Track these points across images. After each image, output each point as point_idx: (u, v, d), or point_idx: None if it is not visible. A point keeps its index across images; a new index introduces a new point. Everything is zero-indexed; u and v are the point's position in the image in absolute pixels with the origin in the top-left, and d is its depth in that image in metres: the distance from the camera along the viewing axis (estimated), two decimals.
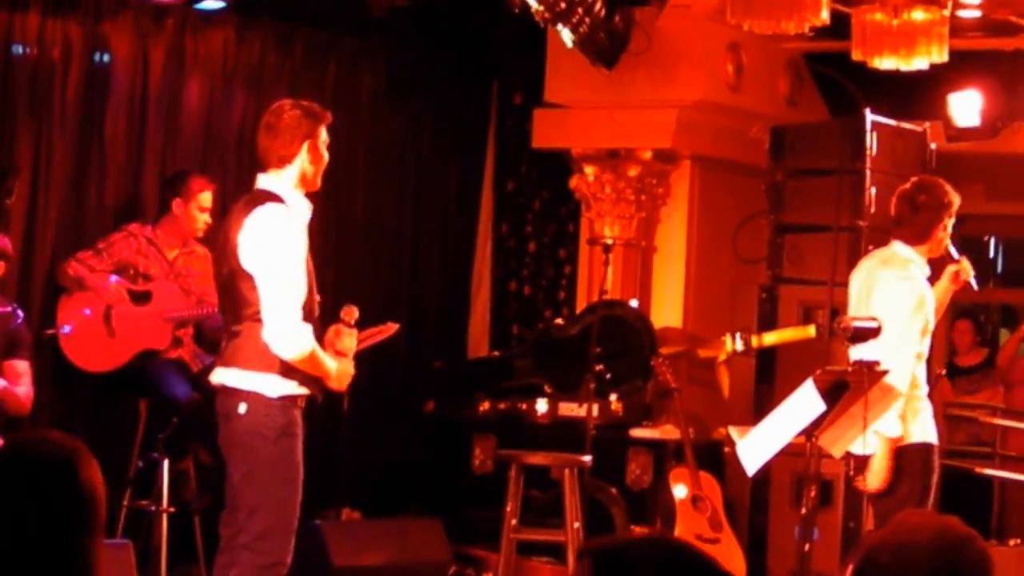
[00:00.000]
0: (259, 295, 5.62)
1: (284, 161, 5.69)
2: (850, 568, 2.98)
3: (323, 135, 5.73)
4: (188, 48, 8.63)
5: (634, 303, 9.44)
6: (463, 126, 10.27)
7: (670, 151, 9.82)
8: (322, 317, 5.89)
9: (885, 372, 7.15)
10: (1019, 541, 8.81)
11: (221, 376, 5.76)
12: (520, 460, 7.67)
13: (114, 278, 7.80)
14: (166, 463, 7.77)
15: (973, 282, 6.95)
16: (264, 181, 5.74)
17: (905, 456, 6.73)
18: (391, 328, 7.90)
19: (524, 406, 9.14)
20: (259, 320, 5.63)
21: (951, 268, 6.88)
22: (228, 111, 8.82)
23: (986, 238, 11.62)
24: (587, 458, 7.85)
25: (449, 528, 8.37)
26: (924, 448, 6.78)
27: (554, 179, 10.22)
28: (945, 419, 9.98)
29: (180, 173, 8.10)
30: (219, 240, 5.88)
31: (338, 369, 5.79)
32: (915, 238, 6.75)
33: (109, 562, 6.42)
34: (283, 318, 5.60)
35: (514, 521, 7.52)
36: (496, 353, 10.16)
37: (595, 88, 9.60)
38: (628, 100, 9.59)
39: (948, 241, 6.84)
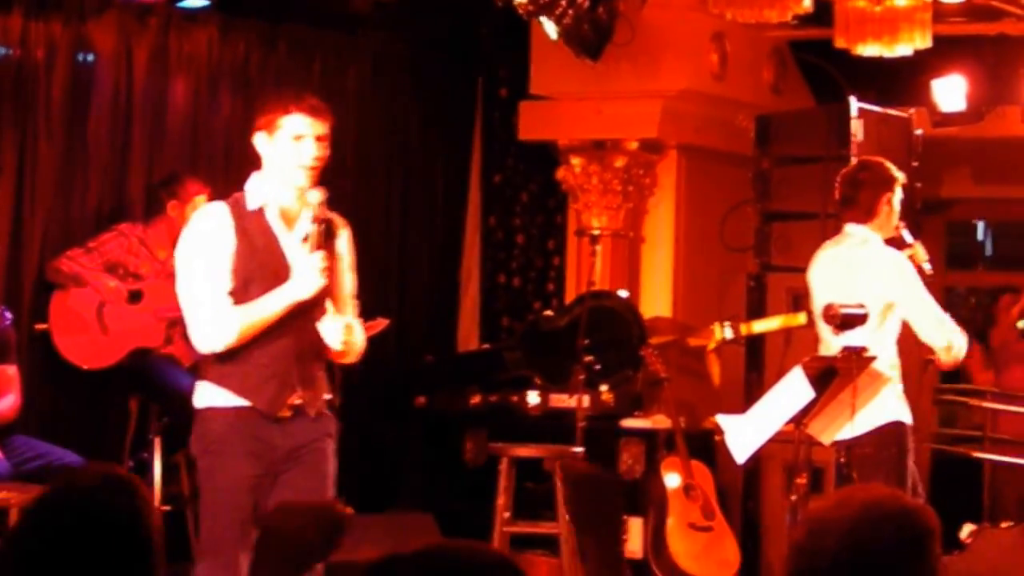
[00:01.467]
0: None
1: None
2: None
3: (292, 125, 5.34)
4: (172, 47, 8.65)
5: (623, 293, 9.46)
6: (449, 120, 10.29)
7: (656, 141, 9.86)
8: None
9: (873, 358, 7.20)
10: (1011, 523, 8.86)
11: None
12: (511, 453, 7.70)
13: (114, 283, 7.84)
14: (157, 461, 7.79)
15: (926, 266, 6.96)
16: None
17: (881, 440, 6.78)
18: (381, 323, 7.95)
19: (515, 398, 9.13)
20: None
21: (905, 253, 6.90)
22: (214, 110, 8.83)
23: (974, 222, 11.67)
24: (579, 449, 7.88)
25: (442, 522, 8.30)
26: (898, 427, 6.83)
27: (541, 171, 10.26)
28: (934, 404, 10.04)
29: (175, 175, 8.12)
30: None
31: (295, 281, 5.32)
32: (863, 216, 6.78)
33: None
34: (191, 316, 5.38)
35: (507, 514, 7.55)
36: (486, 346, 10.19)
37: (580, 80, 9.61)
38: (613, 91, 9.63)
39: (902, 226, 6.86)
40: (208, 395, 5.34)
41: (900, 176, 6.83)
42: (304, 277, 5.29)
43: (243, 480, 5.30)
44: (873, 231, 6.78)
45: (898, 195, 6.79)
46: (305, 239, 5.34)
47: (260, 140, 5.34)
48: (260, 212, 5.37)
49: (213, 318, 5.29)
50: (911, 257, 6.91)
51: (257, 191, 5.39)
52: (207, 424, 5.33)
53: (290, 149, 5.28)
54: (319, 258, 5.27)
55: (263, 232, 5.36)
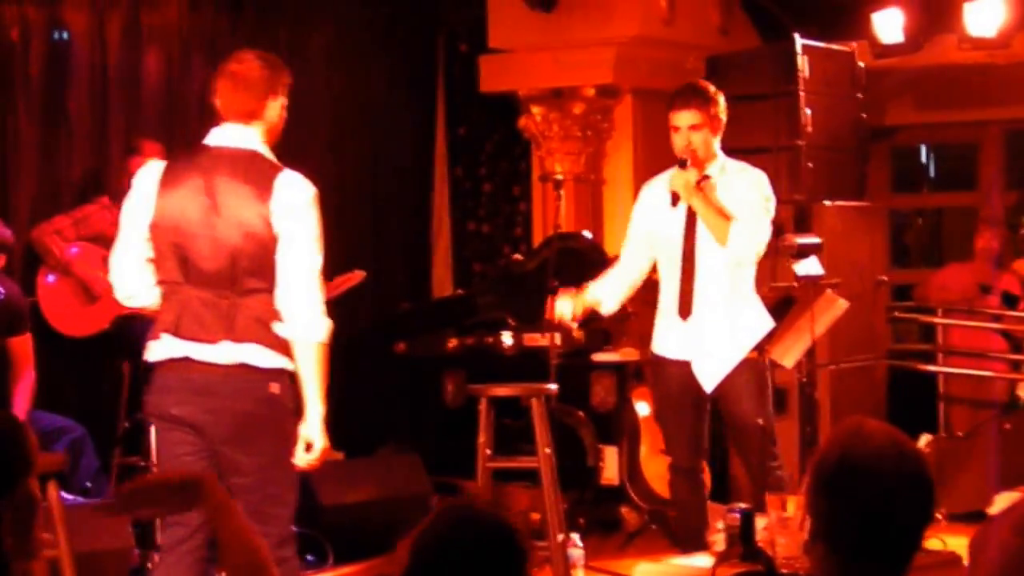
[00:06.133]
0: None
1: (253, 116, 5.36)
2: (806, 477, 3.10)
3: None
4: (144, 20, 8.74)
5: (587, 234, 9.51)
6: (413, 77, 10.38)
7: (612, 87, 9.94)
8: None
9: (834, 284, 7.54)
10: (962, 434, 9.17)
11: (236, 351, 5.26)
12: (489, 393, 7.58)
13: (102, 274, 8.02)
14: None
15: None
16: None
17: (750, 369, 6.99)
18: (358, 276, 8.04)
19: (490, 340, 9.19)
20: (255, 293, 5.27)
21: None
22: (187, 79, 8.91)
23: (918, 146, 11.87)
24: (553, 386, 7.83)
25: (427, 461, 8.53)
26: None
27: (503, 121, 10.36)
28: (889, 323, 10.34)
29: (137, 143, 8.21)
30: None
31: None
32: None
33: (103, 521, 6.70)
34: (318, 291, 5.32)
35: (488, 451, 7.51)
36: (460, 291, 10.29)
37: (536, 31, 9.75)
38: (568, 40, 9.73)
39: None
40: (285, 361, 5.28)
41: None
42: None
43: None
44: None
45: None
46: None
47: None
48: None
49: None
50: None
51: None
52: (295, 388, 5.32)
53: None
54: None
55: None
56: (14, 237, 7.60)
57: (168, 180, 5.30)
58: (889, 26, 9.33)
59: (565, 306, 7.18)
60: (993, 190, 10.72)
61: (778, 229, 8.48)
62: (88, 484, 7.63)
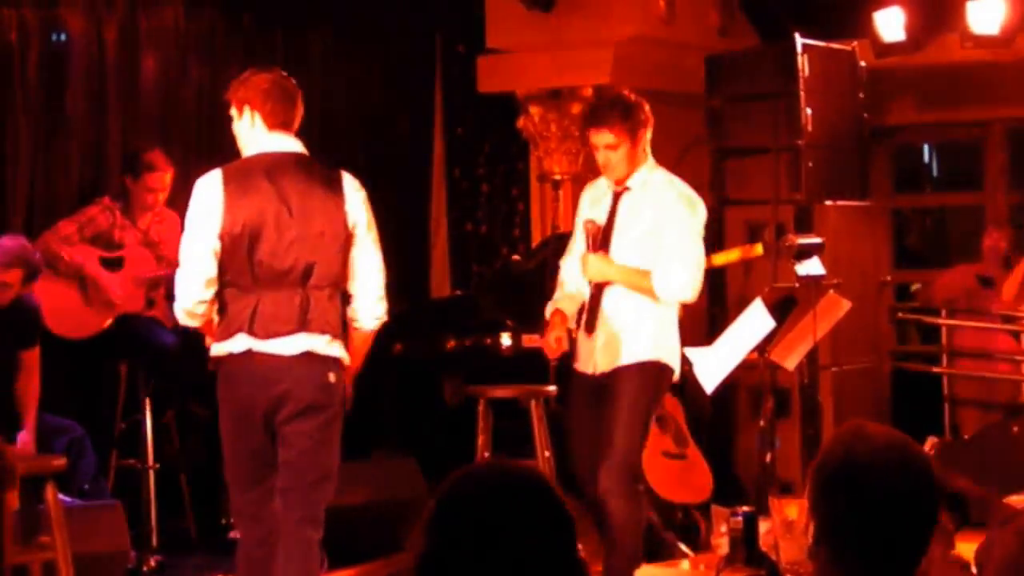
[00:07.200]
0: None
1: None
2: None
3: None
4: (141, 24, 8.73)
5: None
6: (410, 79, 10.37)
7: (610, 87, 9.54)
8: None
9: (836, 284, 7.47)
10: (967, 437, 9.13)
11: (303, 343, 5.69)
12: (488, 394, 7.69)
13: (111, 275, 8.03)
14: (149, 421, 7.91)
15: None
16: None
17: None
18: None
19: (489, 341, 9.11)
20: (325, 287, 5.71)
21: None
22: (184, 83, 8.93)
23: (920, 146, 11.85)
24: (552, 387, 7.88)
25: (424, 464, 8.42)
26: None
27: (501, 121, 10.32)
28: (891, 323, 10.32)
29: (138, 148, 8.23)
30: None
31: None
32: None
33: (100, 522, 6.77)
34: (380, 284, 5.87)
35: (486, 454, 7.61)
36: (458, 292, 10.28)
37: (534, 31, 9.72)
38: (566, 40, 9.70)
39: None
40: (343, 352, 5.79)
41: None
42: None
43: None
44: None
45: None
46: None
47: None
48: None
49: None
50: None
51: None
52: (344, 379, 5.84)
53: None
54: None
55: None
56: (39, 256, 7.59)
57: (235, 189, 5.64)
58: (891, 24, 9.36)
59: (560, 339, 6.77)
60: (997, 189, 10.69)
61: (780, 229, 8.48)
62: (86, 486, 7.61)
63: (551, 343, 6.69)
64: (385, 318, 5.88)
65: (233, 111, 5.83)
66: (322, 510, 5.78)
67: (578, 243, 6.78)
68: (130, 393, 8.10)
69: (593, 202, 6.73)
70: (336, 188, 5.77)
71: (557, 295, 6.84)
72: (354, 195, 5.81)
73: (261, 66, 6.04)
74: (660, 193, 6.56)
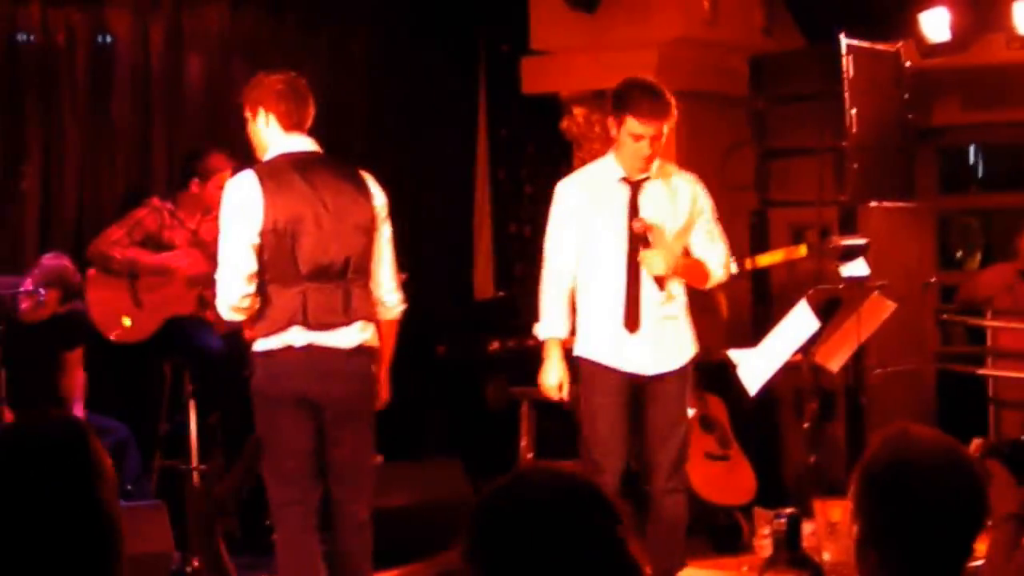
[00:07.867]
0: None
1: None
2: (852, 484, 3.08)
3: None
4: (186, 25, 8.80)
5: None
6: (454, 79, 10.38)
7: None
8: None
9: (880, 286, 7.43)
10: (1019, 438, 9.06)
11: (356, 336, 5.94)
12: (530, 396, 7.70)
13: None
14: (193, 422, 7.92)
15: None
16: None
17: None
18: (399, 278, 8.10)
19: (532, 343, 8.99)
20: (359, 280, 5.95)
21: None
22: (228, 84, 8.86)
23: (965, 147, 11.78)
24: None
25: (468, 466, 8.46)
26: None
27: (545, 122, 10.29)
28: (937, 325, 10.25)
29: (197, 152, 8.20)
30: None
31: None
32: None
33: (144, 523, 6.78)
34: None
35: (530, 455, 7.61)
36: (501, 293, 10.31)
37: (578, 32, 9.70)
38: (610, 41, 9.65)
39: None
40: (376, 341, 6.05)
41: None
42: None
43: None
44: None
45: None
46: None
47: None
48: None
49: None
50: None
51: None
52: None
53: None
54: None
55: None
56: (79, 278, 7.71)
57: (271, 188, 5.79)
58: (936, 25, 9.30)
59: (563, 386, 6.76)
60: None
61: (824, 231, 8.46)
62: (129, 487, 7.64)
63: (554, 390, 6.68)
64: (404, 306, 6.16)
65: (247, 114, 6.02)
66: (372, 495, 6.07)
67: (566, 234, 6.68)
68: (175, 394, 8.13)
69: (594, 198, 6.68)
70: (361, 184, 6.01)
71: (548, 303, 6.75)
72: (376, 190, 6.07)
73: (276, 69, 6.19)
74: (676, 180, 6.75)
